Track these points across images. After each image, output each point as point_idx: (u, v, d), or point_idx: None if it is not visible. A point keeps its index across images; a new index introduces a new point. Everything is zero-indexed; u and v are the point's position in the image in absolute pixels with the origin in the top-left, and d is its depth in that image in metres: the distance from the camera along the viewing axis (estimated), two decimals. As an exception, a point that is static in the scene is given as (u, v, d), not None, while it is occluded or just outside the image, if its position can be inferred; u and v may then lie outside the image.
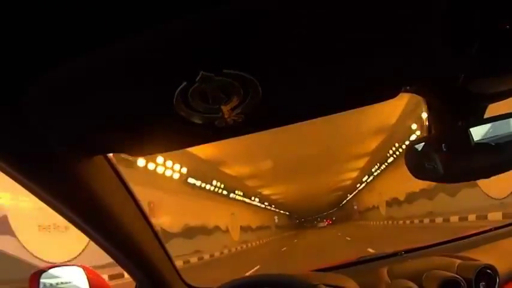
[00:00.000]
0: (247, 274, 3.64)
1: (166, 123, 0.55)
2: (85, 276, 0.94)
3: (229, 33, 0.40)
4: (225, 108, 0.49)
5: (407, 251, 1.35)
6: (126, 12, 0.36)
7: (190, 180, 12.18)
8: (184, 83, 0.44)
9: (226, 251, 14.69)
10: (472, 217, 8.43)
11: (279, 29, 0.41)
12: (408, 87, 0.60)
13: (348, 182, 24.81)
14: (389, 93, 0.58)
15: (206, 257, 12.10)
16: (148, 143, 0.63)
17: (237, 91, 0.47)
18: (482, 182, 7.13)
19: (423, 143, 0.70)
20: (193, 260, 10.96)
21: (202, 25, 0.38)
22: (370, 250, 5.97)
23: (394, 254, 1.34)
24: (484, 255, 1.08)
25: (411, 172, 0.70)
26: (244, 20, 0.39)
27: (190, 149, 8.38)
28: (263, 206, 25.10)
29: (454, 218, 9.36)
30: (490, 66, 0.55)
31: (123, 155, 0.70)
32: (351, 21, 0.42)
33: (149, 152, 0.69)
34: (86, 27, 0.37)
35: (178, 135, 0.60)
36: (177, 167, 11.22)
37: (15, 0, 0.33)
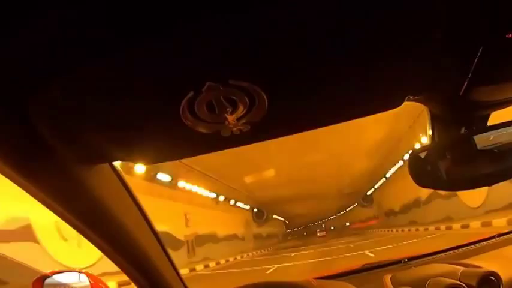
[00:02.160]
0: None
1: (172, 132, 0.55)
2: (88, 282, 0.94)
3: (236, 44, 0.40)
4: (231, 118, 0.49)
5: (410, 259, 1.34)
6: (134, 23, 0.36)
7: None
8: (192, 92, 0.45)
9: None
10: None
11: (284, 39, 0.41)
12: (412, 97, 0.60)
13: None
14: (394, 103, 0.59)
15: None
16: (153, 152, 0.63)
17: (242, 101, 0.47)
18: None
19: (427, 151, 0.70)
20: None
21: (210, 35, 0.39)
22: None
23: (398, 262, 1.34)
24: (487, 262, 1.08)
25: (415, 180, 0.70)
26: (251, 31, 0.39)
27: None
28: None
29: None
30: (492, 75, 0.55)
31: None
32: (355, 31, 0.42)
33: (154, 160, 0.70)
34: (94, 36, 0.37)
35: (183, 144, 0.61)
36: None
37: (24, 5, 0.33)
